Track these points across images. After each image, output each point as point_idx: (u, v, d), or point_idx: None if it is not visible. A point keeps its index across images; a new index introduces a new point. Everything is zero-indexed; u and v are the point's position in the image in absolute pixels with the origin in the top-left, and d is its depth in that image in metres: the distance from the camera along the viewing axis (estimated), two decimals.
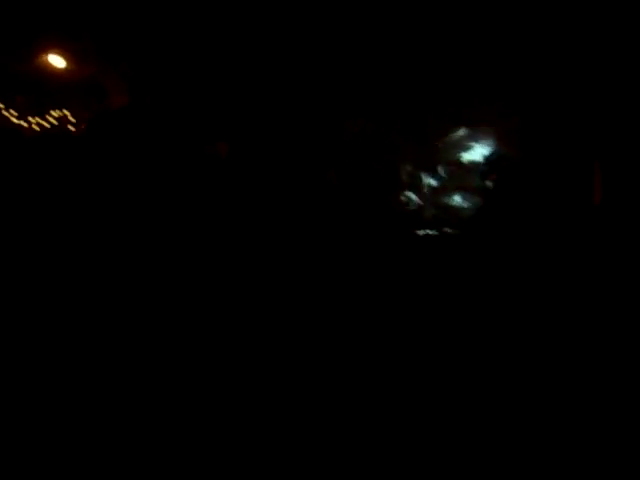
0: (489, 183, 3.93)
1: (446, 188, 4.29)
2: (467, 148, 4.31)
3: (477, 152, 4.25)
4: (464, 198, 4.20)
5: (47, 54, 4.14)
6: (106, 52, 4.18)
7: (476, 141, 4.29)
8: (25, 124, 4.16)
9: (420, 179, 4.39)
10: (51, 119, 4.25)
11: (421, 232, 4.16)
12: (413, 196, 4.35)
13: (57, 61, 4.18)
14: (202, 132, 4.27)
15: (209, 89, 4.23)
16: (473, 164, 4.23)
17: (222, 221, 4.02)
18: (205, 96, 4.24)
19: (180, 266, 3.52)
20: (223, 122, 4.23)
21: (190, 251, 3.66)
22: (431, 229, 4.16)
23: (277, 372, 2.50)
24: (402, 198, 4.35)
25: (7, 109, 4.12)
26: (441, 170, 4.37)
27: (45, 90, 4.20)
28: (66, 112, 4.26)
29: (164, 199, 3.93)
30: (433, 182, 4.37)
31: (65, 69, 4.20)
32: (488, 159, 4.18)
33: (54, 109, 4.23)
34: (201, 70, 4.19)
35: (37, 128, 4.19)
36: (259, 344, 2.81)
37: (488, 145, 4.25)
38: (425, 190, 4.34)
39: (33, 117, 4.18)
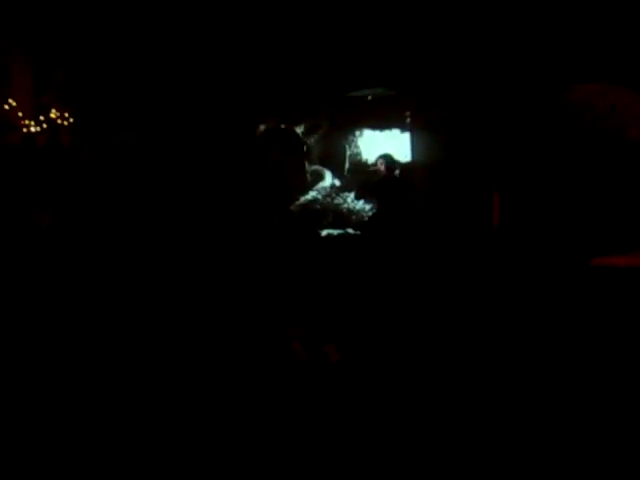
0: (394, 189, 3.99)
1: (350, 190, 4.41)
2: (374, 152, 4.47)
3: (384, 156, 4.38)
4: (367, 201, 4.33)
5: None
6: (11, 32, 4.05)
7: (383, 147, 4.46)
8: None
9: (325, 180, 4.51)
10: None
11: (324, 231, 4.23)
12: (319, 196, 4.45)
13: None
14: (106, 122, 4.20)
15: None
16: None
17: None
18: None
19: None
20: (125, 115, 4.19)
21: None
22: (333, 228, 4.24)
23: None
24: (308, 197, 4.44)
25: None
26: (347, 172, 4.50)
27: None
28: None
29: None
30: (337, 183, 4.50)
31: None
32: (394, 164, 4.30)
33: None
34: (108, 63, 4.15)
35: None
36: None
37: (395, 151, 4.41)
38: (329, 191, 4.45)
39: None
